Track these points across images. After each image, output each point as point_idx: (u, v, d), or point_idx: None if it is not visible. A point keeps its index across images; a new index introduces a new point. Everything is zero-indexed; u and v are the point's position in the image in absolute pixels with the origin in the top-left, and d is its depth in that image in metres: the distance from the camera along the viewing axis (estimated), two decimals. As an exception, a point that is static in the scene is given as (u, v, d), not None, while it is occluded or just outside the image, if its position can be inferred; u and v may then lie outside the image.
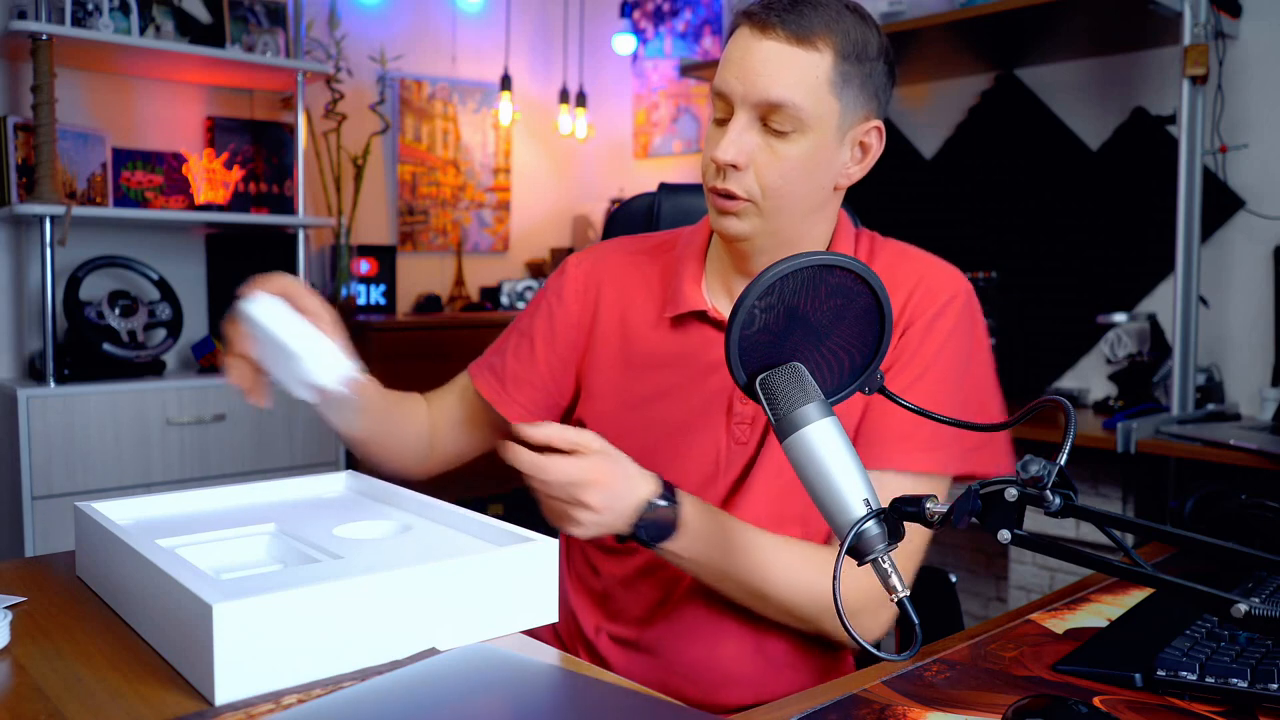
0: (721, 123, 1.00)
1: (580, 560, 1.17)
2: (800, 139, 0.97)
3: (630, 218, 1.45)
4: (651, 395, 1.09)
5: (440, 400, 1.22)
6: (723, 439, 1.06)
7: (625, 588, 1.11)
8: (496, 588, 0.82)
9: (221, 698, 0.69)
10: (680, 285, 1.09)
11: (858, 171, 1.04)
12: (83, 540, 0.94)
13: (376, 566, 0.78)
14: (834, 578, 0.66)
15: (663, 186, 1.46)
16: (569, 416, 1.18)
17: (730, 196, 1.00)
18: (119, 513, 0.98)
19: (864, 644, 0.67)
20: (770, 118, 0.97)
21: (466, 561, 0.80)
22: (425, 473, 1.21)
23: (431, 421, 1.20)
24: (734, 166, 0.98)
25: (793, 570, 0.98)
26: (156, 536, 0.90)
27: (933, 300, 1.04)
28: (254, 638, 0.70)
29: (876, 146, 1.03)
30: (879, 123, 1.02)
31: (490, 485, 3.09)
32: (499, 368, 1.18)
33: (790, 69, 0.95)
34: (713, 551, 0.96)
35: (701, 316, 1.08)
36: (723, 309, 1.08)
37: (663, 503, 0.93)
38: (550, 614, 0.85)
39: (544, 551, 0.85)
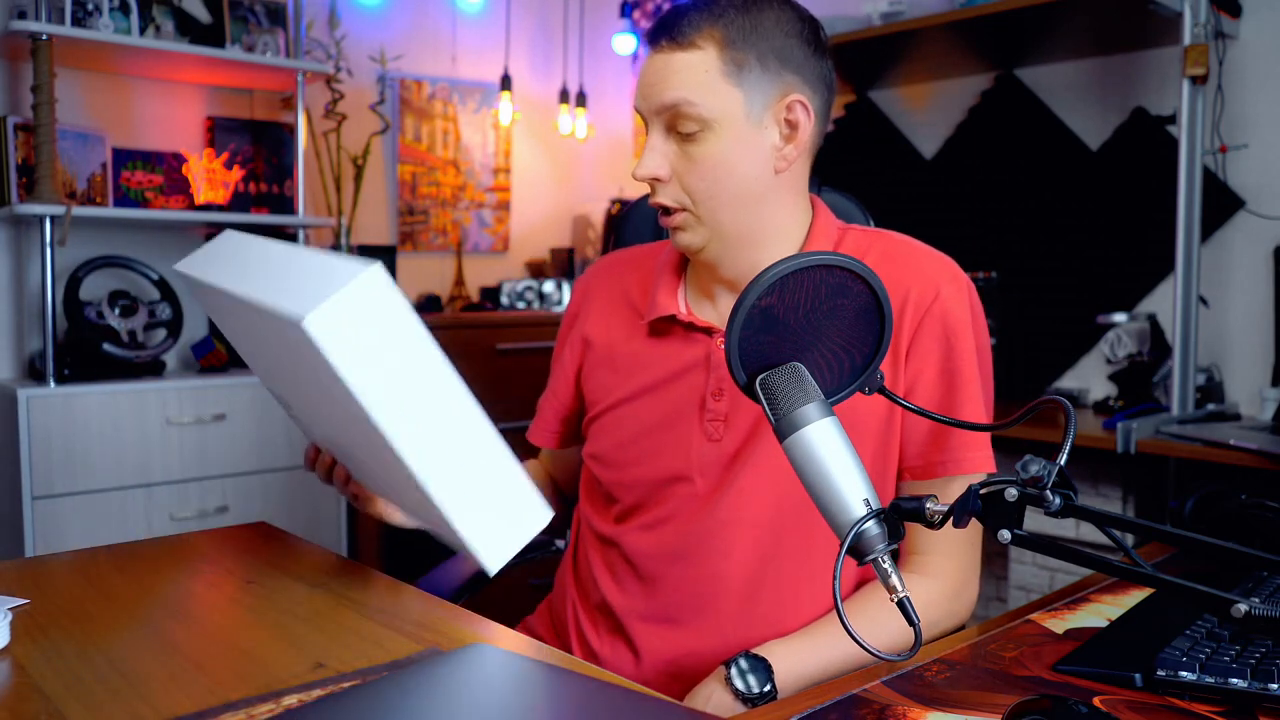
0: None
1: (589, 582, 1.17)
2: (709, 136, 1.00)
3: (642, 216, 1.46)
4: (631, 396, 1.12)
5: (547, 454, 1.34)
6: (694, 435, 1.07)
7: (640, 619, 1.11)
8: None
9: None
10: (656, 293, 1.13)
11: (793, 151, 1.04)
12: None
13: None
14: (834, 576, 0.66)
15: None
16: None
17: (667, 210, 1.04)
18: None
19: (867, 647, 0.67)
20: (676, 123, 1.01)
21: None
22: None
23: (550, 474, 1.34)
24: (656, 179, 1.03)
25: (872, 629, 1.01)
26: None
27: (937, 296, 1.05)
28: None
29: (805, 121, 1.03)
30: (801, 96, 1.02)
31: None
32: (550, 420, 1.28)
33: (678, 72, 1.00)
34: (816, 677, 0.99)
35: (674, 320, 1.11)
36: (704, 314, 1.11)
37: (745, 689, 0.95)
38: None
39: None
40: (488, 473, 0.68)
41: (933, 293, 1.04)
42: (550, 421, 1.27)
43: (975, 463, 1.03)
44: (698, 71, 0.99)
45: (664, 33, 1.01)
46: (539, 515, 0.71)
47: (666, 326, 1.12)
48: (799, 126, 1.03)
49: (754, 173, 1.02)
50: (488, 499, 0.68)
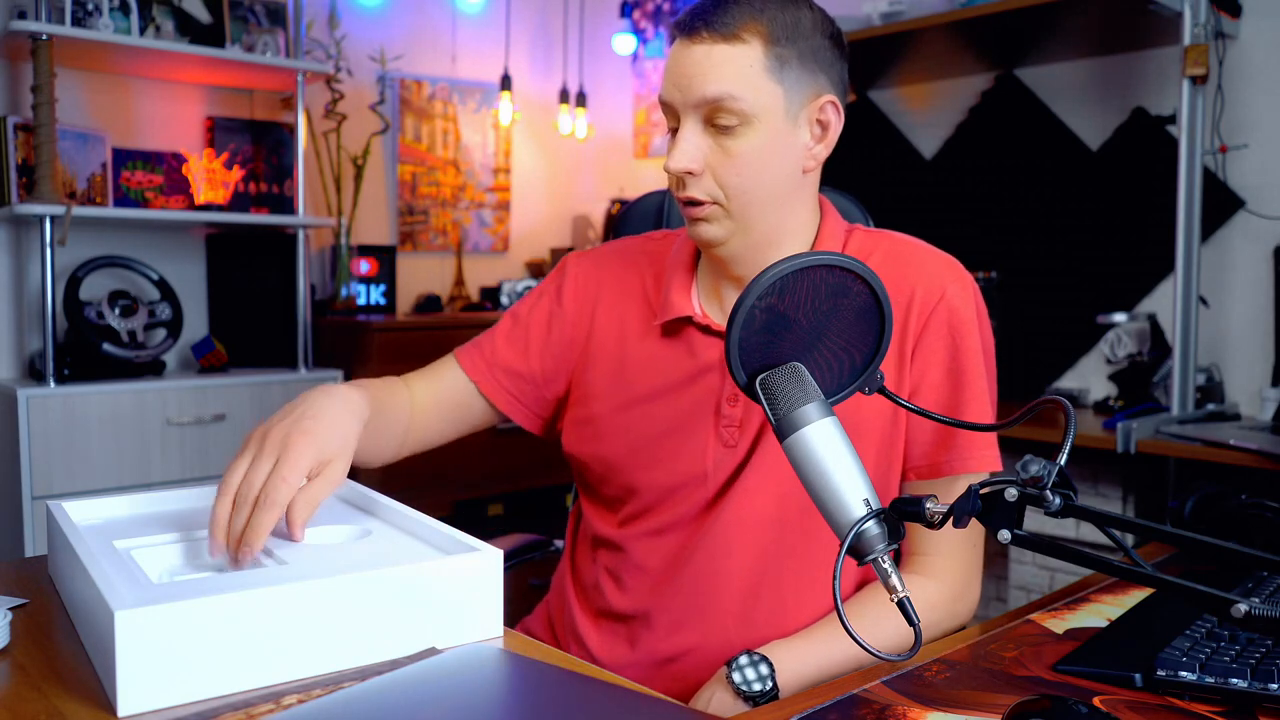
0: (675, 134, 1.03)
1: (590, 584, 1.16)
2: (748, 131, 0.99)
3: (641, 216, 1.45)
4: (641, 398, 1.10)
5: (420, 384, 1.19)
6: (710, 441, 1.06)
7: (642, 621, 1.10)
8: (431, 598, 0.78)
9: (124, 709, 0.67)
10: (669, 292, 1.11)
11: (822, 150, 1.04)
12: (51, 540, 0.94)
13: (312, 574, 0.75)
14: (834, 576, 0.66)
15: None
16: (559, 413, 1.19)
17: (695, 203, 1.02)
18: (88, 513, 0.97)
19: (866, 646, 0.67)
20: (714, 116, 0.99)
21: (392, 572, 0.76)
22: (394, 459, 1.17)
23: (411, 407, 1.17)
24: (689, 173, 1.00)
25: (873, 630, 1.00)
26: (118, 537, 0.89)
27: (942, 296, 1.04)
28: (159, 647, 0.67)
29: (836, 122, 1.04)
30: (833, 97, 1.03)
31: (491, 485, 3.09)
32: (489, 352, 1.18)
33: (721, 65, 0.98)
34: (817, 677, 0.98)
35: (689, 322, 1.09)
36: (712, 314, 1.10)
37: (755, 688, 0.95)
38: (495, 627, 0.82)
39: (486, 562, 0.81)
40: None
41: (938, 293, 1.04)
42: (534, 405, 1.18)
43: (982, 461, 1.03)
44: (742, 65, 0.97)
45: (704, 23, 0.98)
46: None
47: (680, 328, 1.10)
48: (829, 127, 1.04)
49: (786, 171, 1.02)
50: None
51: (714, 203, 1.01)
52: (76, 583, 0.80)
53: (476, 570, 0.81)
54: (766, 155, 1.00)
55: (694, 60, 0.99)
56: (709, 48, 0.98)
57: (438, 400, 1.18)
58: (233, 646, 0.70)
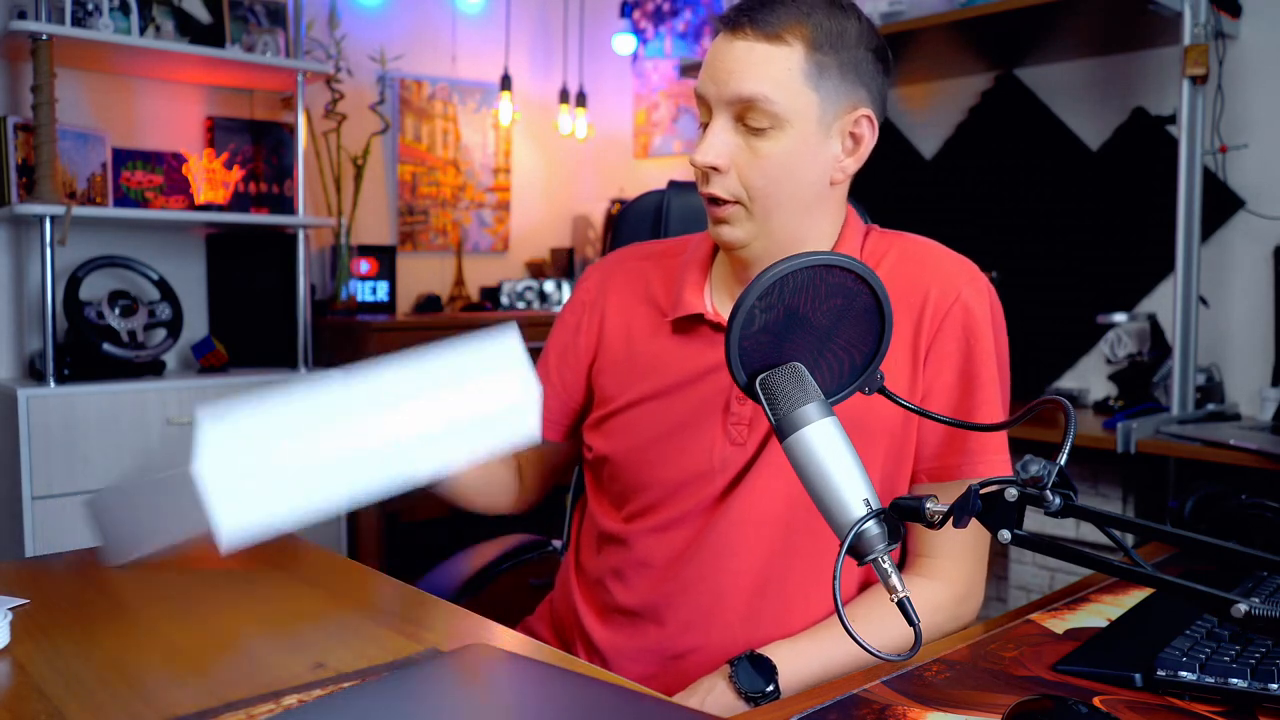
0: (705, 128, 1.02)
1: (594, 581, 1.16)
2: (779, 135, 0.98)
3: (639, 215, 1.45)
4: (650, 395, 1.10)
5: None
6: (718, 438, 1.06)
7: (648, 618, 1.10)
8: (475, 377, 0.89)
9: (227, 532, 0.73)
10: (682, 290, 1.11)
11: (852, 164, 1.04)
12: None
13: (354, 379, 0.84)
14: (834, 576, 0.66)
15: (672, 184, 1.46)
16: (580, 420, 1.21)
17: (718, 201, 1.01)
18: None
19: (866, 646, 0.67)
20: (746, 115, 0.98)
21: (441, 357, 0.88)
22: (519, 507, 1.28)
23: (518, 461, 1.25)
24: (715, 169, 1.00)
25: (876, 630, 0.99)
26: None
27: (957, 298, 1.04)
28: (240, 457, 0.74)
29: (869, 137, 1.03)
30: (869, 111, 1.02)
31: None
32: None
33: (760, 64, 0.97)
34: (820, 676, 0.98)
35: (700, 320, 1.09)
36: (725, 313, 1.09)
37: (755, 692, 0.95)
38: (533, 388, 0.93)
39: (506, 335, 0.92)
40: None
41: (953, 295, 1.04)
42: (555, 414, 1.21)
43: (992, 466, 1.02)
44: (781, 68, 0.96)
45: (749, 19, 0.97)
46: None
47: (691, 326, 1.10)
48: (862, 141, 1.03)
49: (812, 179, 1.01)
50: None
51: (736, 202, 1.01)
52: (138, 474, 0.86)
53: (503, 342, 0.93)
54: (793, 161, 0.99)
55: (734, 56, 0.98)
56: (750, 45, 0.97)
57: (521, 463, 1.26)
58: (307, 455, 0.77)
